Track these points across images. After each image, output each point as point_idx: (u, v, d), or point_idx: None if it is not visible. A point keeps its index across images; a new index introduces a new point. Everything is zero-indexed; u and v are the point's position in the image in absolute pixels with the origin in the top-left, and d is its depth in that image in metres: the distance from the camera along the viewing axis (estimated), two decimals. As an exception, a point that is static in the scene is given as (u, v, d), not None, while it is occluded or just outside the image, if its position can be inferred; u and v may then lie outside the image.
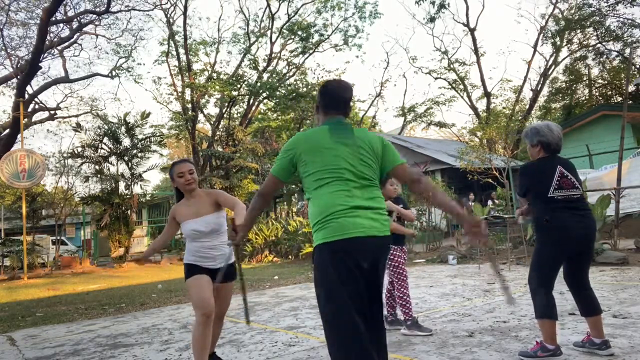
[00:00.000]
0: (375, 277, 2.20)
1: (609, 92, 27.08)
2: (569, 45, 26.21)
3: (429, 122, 32.92)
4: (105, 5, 19.56)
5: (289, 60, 24.70)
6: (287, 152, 2.28)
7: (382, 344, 2.18)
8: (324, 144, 2.21)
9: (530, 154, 3.48)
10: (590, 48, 25.39)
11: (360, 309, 2.08)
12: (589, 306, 3.28)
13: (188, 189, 3.27)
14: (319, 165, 2.18)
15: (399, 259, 4.34)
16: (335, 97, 2.40)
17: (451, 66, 28.81)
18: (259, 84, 22.01)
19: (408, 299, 4.23)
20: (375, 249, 2.16)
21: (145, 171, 18.09)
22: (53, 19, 17.53)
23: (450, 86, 29.67)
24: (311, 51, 24.51)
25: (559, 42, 26.22)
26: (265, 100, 24.88)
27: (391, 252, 4.27)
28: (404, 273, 4.32)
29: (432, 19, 26.48)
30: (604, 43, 24.66)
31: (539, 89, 27.76)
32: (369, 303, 2.15)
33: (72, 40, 21.11)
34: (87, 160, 17.50)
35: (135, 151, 17.60)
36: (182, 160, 3.42)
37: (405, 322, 4.18)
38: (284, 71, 24.78)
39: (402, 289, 4.25)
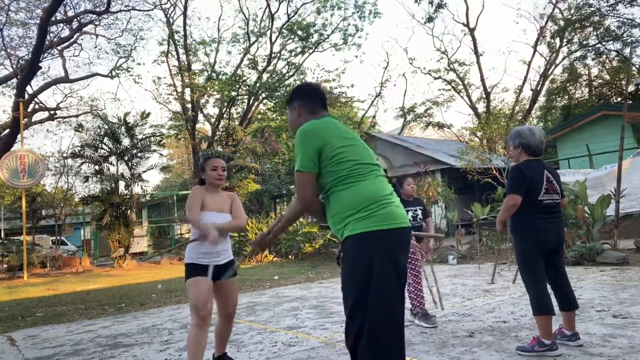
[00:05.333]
0: (406, 269, 2.10)
1: (609, 92, 27.10)
2: (569, 45, 26.23)
3: (427, 122, 32.96)
4: (105, 5, 19.57)
5: (288, 60, 24.72)
6: (310, 139, 2.06)
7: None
8: (347, 134, 2.11)
9: (512, 155, 3.67)
10: (590, 48, 25.40)
11: (399, 304, 1.98)
12: (564, 301, 3.48)
13: (217, 183, 3.39)
14: (352, 154, 2.05)
15: (413, 256, 4.64)
16: (319, 94, 2.32)
17: (451, 66, 28.85)
18: (258, 85, 22.02)
19: (421, 293, 4.59)
20: (410, 239, 2.12)
21: (145, 171, 18.09)
22: (53, 19, 17.53)
23: (449, 86, 29.70)
24: (311, 51, 24.53)
25: (558, 43, 26.24)
26: (264, 100, 24.90)
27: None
28: (418, 269, 4.67)
29: (430, 19, 26.56)
30: (603, 43, 24.67)
31: (538, 89, 27.79)
32: (400, 297, 2.03)
33: (72, 40, 21.12)
34: (87, 160, 17.49)
35: (135, 151, 17.60)
36: (217, 156, 3.55)
37: (412, 311, 4.58)
38: (284, 71, 24.81)
39: (415, 284, 4.60)
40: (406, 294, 4.66)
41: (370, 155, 2.14)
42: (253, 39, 24.20)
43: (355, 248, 1.98)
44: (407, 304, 4.74)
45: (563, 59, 27.04)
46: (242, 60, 23.80)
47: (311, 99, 2.29)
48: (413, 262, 4.62)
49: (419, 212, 4.71)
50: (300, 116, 2.29)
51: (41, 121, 22.20)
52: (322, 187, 2.13)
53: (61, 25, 20.45)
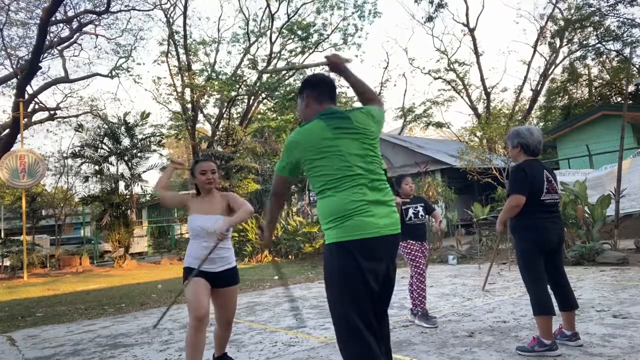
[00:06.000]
0: (388, 277, 2.15)
1: (609, 92, 27.09)
2: (569, 45, 26.23)
3: (427, 122, 32.94)
4: (105, 5, 19.57)
5: (288, 60, 24.69)
6: (291, 152, 2.20)
7: (388, 347, 2.17)
8: (328, 142, 2.11)
9: (511, 155, 3.69)
10: (590, 48, 25.39)
11: (369, 311, 2.04)
12: (564, 301, 3.47)
13: (207, 187, 3.29)
14: (327, 165, 2.11)
15: (417, 253, 4.61)
16: (328, 85, 2.38)
17: (451, 66, 28.84)
18: (257, 84, 22.01)
19: (423, 293, 4.54)
20: (389, 248, 2.13)
21: (145, 171, 18.11)
22: (53, 19, 17.52)
23: (449, 86, 29.70)
24: (311, 51, 24.51)
25: (558, 43, 26.24)
26: (264, 100, 24.88)
27: (409, 246, 4.61)
28: (421, 267, 4.60)
29: (430, 19, 26.58)
30: (603, 43, 24.66)
31: (538, 89, 27.78)
32: (379, 304, 2.13)
33: (72, 40, 21.11)
34: (87, 160, 17.50)
35: (135, 151, 17.60)
36: (206, 158, 3.41)
37: (413, 311, 4.56)
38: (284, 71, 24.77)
39: (419, 283, 4.56)
40: (408, 294, 4.69)
41: (351, 161, 2.10)
42: (253, 39, 24.19)
43: (327, 257, 2.13)
44: (409, 305, 4.75)
45: (563, 59, 27.05)
46: (242, 60, 23.78)
47: (319, 90, 2.36)
48: (416, 262, 4.60)
49: (420, 209, 4.71)
50: (308, 106, 2.36)
51: (41, 121, 22.19)
52: (314, 190, 2.27)
53: (61, 25, 20.44)
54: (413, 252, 4.60)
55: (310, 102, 2.35)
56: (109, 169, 17.42)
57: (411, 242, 4.60)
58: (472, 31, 27.72)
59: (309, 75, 2.51)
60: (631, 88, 19.81)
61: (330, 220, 2.09)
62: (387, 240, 2.09)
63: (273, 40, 23.69)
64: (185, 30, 22.23)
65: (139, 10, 22.01)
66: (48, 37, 18.37)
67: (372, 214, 2.06)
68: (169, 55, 23.28)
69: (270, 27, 23.54)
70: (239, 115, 25.37)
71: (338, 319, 2.07)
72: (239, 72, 23.26)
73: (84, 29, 21.34)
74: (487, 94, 28.36)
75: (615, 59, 26.11)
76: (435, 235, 11.34)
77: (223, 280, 3.23)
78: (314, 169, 2.15)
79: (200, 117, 24.42)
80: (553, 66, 27.30)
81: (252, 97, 23.33)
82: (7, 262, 15.93)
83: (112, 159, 17.41)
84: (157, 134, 20.25)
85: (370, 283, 2.04)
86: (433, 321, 4.40)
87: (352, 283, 2.02)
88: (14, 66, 19.65)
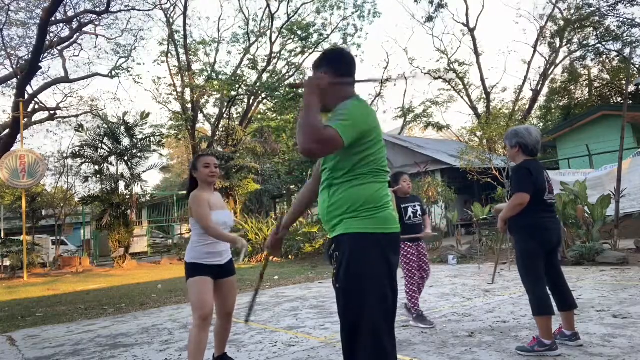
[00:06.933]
0: (396, 271, 2.11)
1: (609, 92, 27.11)
2: (569, 45, 26.24)
3: (427, 123, 32.93)
4: (105, 5, 19.58)
5: (288, 60, 24.72)
6: (367, 119, 1.95)
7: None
8: (379, 129, 2.02)
9: (509, 155, 3.66)
10: (590, 48, 25.40)
11: (390, 307, 1.98)
12: (563, 301, 3.46)
13: (211, 180, 3.31)
14: (377, 151, 1.99)
15: (411, 257, 4.58)
16: (349, 64, 2.11)
17: (451, 66, 28.85)
18: (257, 84, 22.02)
19: (414, 294, 4.52)
20: (399, 245, 2.14)
21: (145, 171, 18.12)
22: (53, 19, 17.53)
23: (449, 86, 29.70)
24: (311, 51, 24.53)
25: (558, 43, 26.25)
26: (264, 100, 24.90)
27: (405, 248, 4.58)
28: (413, 270, 4.57)
29: (430, 18, 26.61)
30: (603, 43, 24.67)
31: (538, 89, 27.80)
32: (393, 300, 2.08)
33: (72, 40, 21.13)
34: (87, 160, 17.50)
35: (135, 151, 17.60)
36: (209, 153, 3.46)
37: (411, 314, 4.52)
38: (284, 71, 24.82)
39: (410, 285, 4.54)
40: (405, 295, 4.68)
41: (385, 151, 2.11)
42: (253, 39, 24.20)
43: (351, 247, 1.95)
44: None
45: (563, 59, 27.08)
46: (242, 60, 23.80)
47: (342, 72, 2.06)
48: (409, 265, 4.55)
49: (418, 208, 4.66)
50: (335, 79, 2.07)
51: (41, 121, 22.20)
52: (334, 169, 2.01)
53: (61, 25, 20.46)
54: (407, 256, 4.55)
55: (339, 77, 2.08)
56: (109, 169, 17.43)
57: (408, 244, 4.55)
58: (472, 31, 27.75)
59: (328, 49, 2.20)
60: (631, 88, 19.82)
61: (365, 208, 1.95)
62: (398, 237, 2.10)
63: (273, 40, 23.72)
64: (185, 30, 22.27)
65: (139, 10, 22.07)
66: (48, 37, 18.38)
67: (392, 209, 2.06)
68: (169, 55, 23.30)
69: (270, 27, 23.57)
70: (239, 115, 25.39)
71: (356, 314, 1.92)
72: (238, 72, 23.29)
73: (84, 29, 21.37)
74: (487, 94, 28.39)
75: (615, 59, 26.12)
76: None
77: (227, 270, 3.31)
78: (372, 147, 1.96)
79: (200, 117, 24.46)
80: (553, 66, 27.32)
81: (252, 97, 23.35)
82: (7, 262, 15.94)
83: (112, 159, 17.41)
84: (157, 134, 20.25)
85: (393, 278, 2.01)
86: (428, 321, 4.37)
87: (379, 277, 1.93)
88: (14, 66, 19.66)
